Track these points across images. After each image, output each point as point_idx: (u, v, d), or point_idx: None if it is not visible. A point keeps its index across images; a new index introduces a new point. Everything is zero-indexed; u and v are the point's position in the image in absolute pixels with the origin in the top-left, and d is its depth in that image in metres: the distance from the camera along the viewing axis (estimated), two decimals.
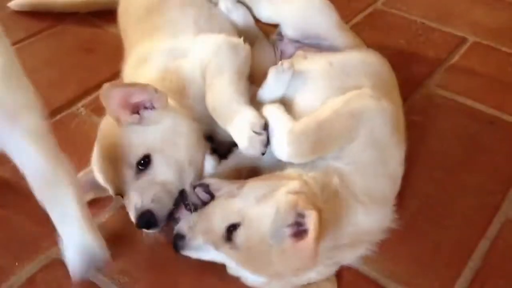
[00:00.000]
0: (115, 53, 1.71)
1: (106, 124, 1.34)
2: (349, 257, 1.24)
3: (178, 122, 1.33)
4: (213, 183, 1.26)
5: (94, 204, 1.43)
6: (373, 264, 1.31)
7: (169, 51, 1.47)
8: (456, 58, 1.97)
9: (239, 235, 1.12)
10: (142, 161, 1.28)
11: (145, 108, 1.30)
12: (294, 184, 1.15)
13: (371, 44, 1.63)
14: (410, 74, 1.84)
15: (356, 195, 1.18)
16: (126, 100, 1.27)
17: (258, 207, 1.13)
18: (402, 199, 1.34)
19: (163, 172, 1.29)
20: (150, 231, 1.31)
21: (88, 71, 1.88)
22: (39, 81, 1.77)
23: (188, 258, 1.24)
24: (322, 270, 1.18)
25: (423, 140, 1.59)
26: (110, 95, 1.23)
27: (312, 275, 1.16)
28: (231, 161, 1.36)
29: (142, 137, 1.29)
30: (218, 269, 1.22)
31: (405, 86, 1.52)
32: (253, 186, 1.19)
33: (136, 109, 1.30)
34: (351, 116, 1.19)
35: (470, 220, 1.42)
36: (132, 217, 1.29)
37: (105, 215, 1.44)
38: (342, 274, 1.28)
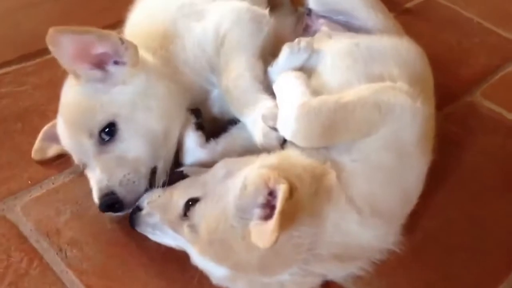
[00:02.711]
0: None
1: (68, 81, 1.15)
2: (336, 272, 1.07)
3: (152, 83, 1.15)
4: (189, 169, 1.14)
5: (55, 162, 1.28)
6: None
7: (182, 7, 1.30)
8: (510, 67, 1.76)
9: (197, 211, 1.00)
10: (106, 130, 1.10)
11: (115, 63, 1.11)
12: (272, 159, 1.02)
13: (417, 36, 1.42)
14: (455, 77, 1.67)
15: (353, 200, 1.02)
16: (85, 50, 1.08)
17: (224, 182, 1.01)
18: (416, 218, 1.17)
19: (132, 146, 1.11)
20: (114, 214, 1.14)
21: (91, 13, 1.72)
22: (37, 15, 1.71)
23: (150, 243, 1.10)
24: (298, 278, 1.01)
25: (454, 154, 1.42)
26: (60, 42, 1.04)
27: (285, 278, 1.00)
28: (221, 142, 1.22)
29: (106, 99, 1.10)
30: (181, 258, 1.07)
31: (447, 90, 1.39)
32: (226, 161, 1.08)
33: (100, 63, 1.11)
34: (377, 107, 1.05)
35: (495, 256, 1.21)
36: (95, 196, 1.12)
37: (64, 177, 1.27)
38: None
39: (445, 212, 1.28)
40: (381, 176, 1.05)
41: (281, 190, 0.89)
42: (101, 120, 1.09)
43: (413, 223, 1.15)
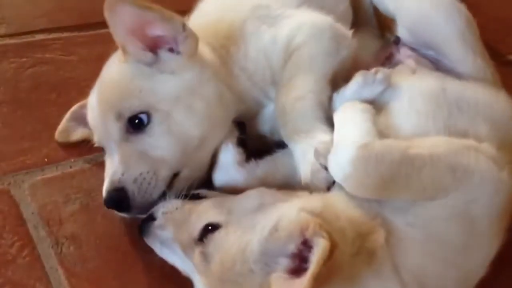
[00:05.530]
0: None
1: (116, 55, 1.07)
2: None
3: (203, 81, 1.04)
4: (207, 193, 1.03)
5: (78, 145, 1.18)
6: None
7: (257, 8, 1.19)
8: None
9: (214, 239, 0.88)
10: (136, 119, 0.99)
11: (170, 50, 1.02)
12: (316, 204, 0.88)
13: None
14: None
15: (399, 270, 0.87)
16: (142, 27, 0.99)
17: (253, 215, 0.90)
18: None
19: (160, 144, 1.01)
20: (120, 214, 1.02)
21: None
22: None
23: (155, 258, 0.98)
24: None
25: None
26: (118, 11, 0.95)
27: None
28: (263, 165, 1.08)
29: (148, 86, 1.01)
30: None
31: None
32: (262, 192, 0.97)
33: (154, 46, 1.02)
34: (451, 171, 0.89)
35: None
36: (104, 187, 1.00)
37: (84, 163, 1.17)
38: None
39: None
40: (439, 250, 0.88)
41: (320, 247, 0.74)
42: (135, 106, 1.00)
43: None
